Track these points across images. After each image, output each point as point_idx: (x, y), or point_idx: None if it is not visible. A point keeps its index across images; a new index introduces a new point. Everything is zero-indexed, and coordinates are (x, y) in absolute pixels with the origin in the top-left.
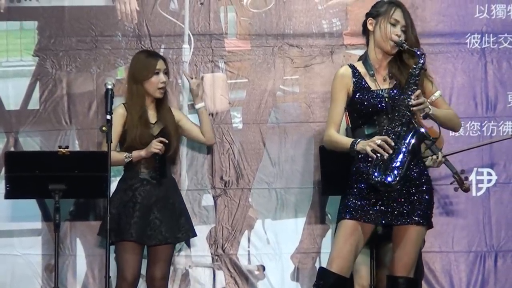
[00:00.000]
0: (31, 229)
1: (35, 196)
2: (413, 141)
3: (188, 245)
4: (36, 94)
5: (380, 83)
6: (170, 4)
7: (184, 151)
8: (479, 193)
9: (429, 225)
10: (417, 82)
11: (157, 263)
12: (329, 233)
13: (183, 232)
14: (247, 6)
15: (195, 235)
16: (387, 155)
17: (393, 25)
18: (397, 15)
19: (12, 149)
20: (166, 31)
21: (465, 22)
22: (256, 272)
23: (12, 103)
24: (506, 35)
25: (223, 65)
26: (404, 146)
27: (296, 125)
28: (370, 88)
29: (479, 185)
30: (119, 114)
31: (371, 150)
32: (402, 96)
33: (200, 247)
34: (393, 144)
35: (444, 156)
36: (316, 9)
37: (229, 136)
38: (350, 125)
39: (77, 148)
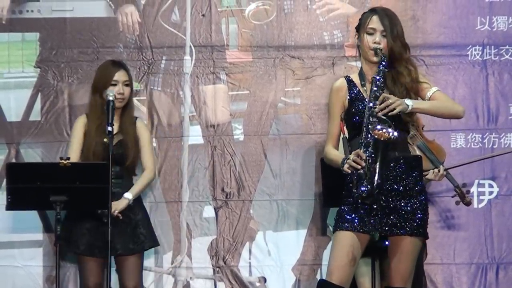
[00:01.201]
0: (32, 241)
1: (36, 207)
2: (376, 148)
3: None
4: (37, 105)
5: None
6: (171, 16)
7: (185, 163)
8: (480, 205)
9: (425, 236)
10: (382, 86)
11: (126, 273)
12: (330, 245)
13: (138, 243)
14: (248, 18)
15: (156, 245)
16: (359, 167)
17: (371, 34)
18: (373, 22)
19: (13, 160)
20: (168, 43)
21: (466, 34)
22: (258, 284)
23: (14, 114)
24: (507, 47)
25: (224, 76)
26: (372, 155)
27: (298, 137)
28: (365, 99)
29: (481, 197)
30: (80, 124)
31: (348, 168)
32: (368, 105)
33: (201, 258)
34: (364, 156)
35: (445, 170)
36: (318, 21)
37: (230, 148)
38: (346, 136)
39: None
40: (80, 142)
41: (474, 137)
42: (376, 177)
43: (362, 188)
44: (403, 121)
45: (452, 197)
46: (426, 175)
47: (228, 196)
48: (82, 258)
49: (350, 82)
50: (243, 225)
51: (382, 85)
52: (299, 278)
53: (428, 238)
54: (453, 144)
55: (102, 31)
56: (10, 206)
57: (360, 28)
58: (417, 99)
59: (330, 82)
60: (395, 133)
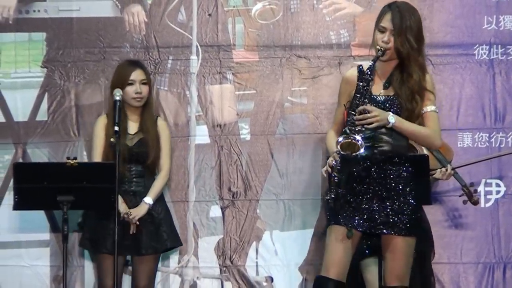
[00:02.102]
0: (39, 240)
1: (43, 207)
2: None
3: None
4: (44, 105)
5: (377, 88)
6: (178, 16)
7: (192, 163)
8: (487, 205)
9: (416, 235)
10: (364, 93)
11: (140, 273)
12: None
13: (161, 242)
14: (255, 18)
15: (179, 244)
16: (329, 171)
17: (382, 32)
18: (385, 21)
19: (20, 160)
20: (174, 43)
21: (473, 33)
22: (264, 284)
23: (21, 114)
24: None
25: (231, 76)
26: (338, 165)
27: (304, 137)
28: (371, 93)
29: (488, 197)
30: (101, 124)
31: (325, 171)
32: (349, 110)
33: (208, 258)
34: (334, 162)
35: (453, 169)
36: (324, 20)
37: (237, 148)
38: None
39: (85, 160)
40: (102, 143)
41: (481, 136)
42: (339, 188)
43: (331, 195)
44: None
45: (460, 196)
46: (434, 174)
47: (235, 196)
48: (103, 257)
49: (361, 72)
50: (250, 225)
51: (365, 91)
52: (306, 278)
53: (417, 236)
54: (460, 144)
55: (109, 31)
56: (17, 206)
57: (375, 24)
58: (416, 107)
59: (337, 81)
60: (362, 144)
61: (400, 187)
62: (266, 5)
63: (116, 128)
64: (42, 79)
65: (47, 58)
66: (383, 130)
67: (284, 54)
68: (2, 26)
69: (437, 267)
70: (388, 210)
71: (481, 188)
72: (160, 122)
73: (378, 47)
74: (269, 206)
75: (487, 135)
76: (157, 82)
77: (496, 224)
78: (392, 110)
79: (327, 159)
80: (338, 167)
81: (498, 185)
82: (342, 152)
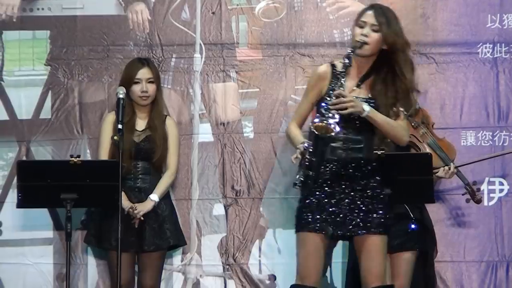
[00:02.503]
0: (43, 238)
1: (46, 205)
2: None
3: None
4: (48, 103)
5: (350, 84)
6: (181, 14)
7: (195, 161)
8: (490, 203)
9: (388, 233)
10: (341, 80)
11: (145, 270)
12: (340, 242)
13: (164, 239)
14: (258, 16)
15: (182, 243)
16: (300, 157)
17: (361, 27)
18: (367, 16)
19: (24, 158)
20: (178, 41)
21: (476, 31)
22: (267, 282)
23: (24, 112)
24: None
25: (234, 74)
26: (311, 147)
27: (307, 135)
28: (343, 89)
29: (491, 195)
30: (109, 121)
31: (294, 158)
32: (325, 98)
33: (211, 256)
34: (306, 145)
35: (456, 167)
36: (328, 18)
37: (240, 146)
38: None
39: (89, 157)
40: (110, 141)
41: (485, 135)
42: (311, 169)
43: (299, 178)
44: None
45: (463, 194)
46: (436, 172)
47: (238, 194)
48: (112, 253)
49: (334, 70)
50: (253, 223)
51: (342, 79)
52: None
53: (388, 233)
54: (464, 142)
55: (113, 29)
56: (21, 204)
57: (356, 20)
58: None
59: None
60: (335, 128)
61: (371, 186)
62: (269, 3)
63: (120, 126)
64: (46, 77)
65: (51, 56)
66: (355, 137)
67: (287, 53)
68: (6, 24)
69: (440, 266)
70: (362, 209)
71: (484, 187)
72: (169, 121)
73: (356, 39)
74: (272, 204)
75: (491, 133)
76: (161, 80)
77: (499, 223)
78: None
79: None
80: (310, 150)
81: (501, 183)
82: (317, 133)
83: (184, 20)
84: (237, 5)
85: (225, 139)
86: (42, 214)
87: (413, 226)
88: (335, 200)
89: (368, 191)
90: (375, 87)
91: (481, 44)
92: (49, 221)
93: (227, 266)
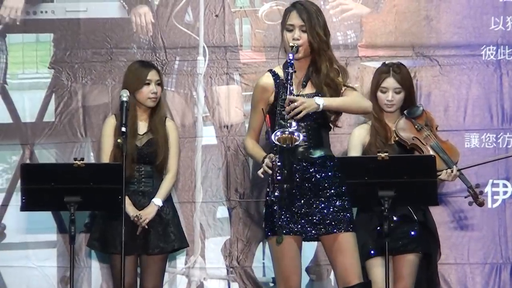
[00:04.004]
0: (47, 241)
1: (50, 208)
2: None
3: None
4: (51, 106)
5: (296, 88)
6: (185, 17)
7: (198, 163)
8: (494, 205)
9: (355, 231)
10: (289, 88)
11: (148, 273)
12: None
13: (168, 242)
14: (262, 18)
15: (185, 245)
16: (270, 172)
17: (290, 30)
18: (292, 18)
19: (27, 161)
20: (181, 43)
21: (480, 34)
22: (271, 285)
23: (28, 115)
24: None
25: (238, 77)
26: (278, 161)
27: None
28: (291, 94)
29: (495, 197)
30: (110, 124)
31: (262, 172)
32: (277, 108)
33: (215, 259)
34: (274, 159)
35: (459, 170)
36: (331, 21)
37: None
38: (270, 128)
39: (92, 160)
40: (111, 143)
41: (488, 137)
42: (284, 183)
43: (275, 194)
44: (327, 119)
45: (465, 197)
46: (439, 175)
47: (242, 197)
48: (116, 257)
49: (276, 78)
50: (257, 226)
51: (290, 86)
52: (313, 279)
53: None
54: (467, 144)
55: (116, 32)
56: (25, 207)
57: (282, 25)
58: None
59: None
60: (299, 136)
61: (336, 184)
62: (273, 6)
63: (123, 129)
64: (49, 80)
65: (54, 59)
66: (314, 134)
67: None
68: (9, 27)
69: (444, 268)
70: (329, 208)
71: (488, 189)
72: (169, 123)
73: (291, 44)
74: None
75: (494, 135)
76: (164, 83)
77: (503, 225)
78: None
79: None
80: (279, 163)
81: (505, 185)
82: (282, 145)
83: (188, 23)
84: (241, 7)
85: (229, 141)
86: (46, 217)
87: (412, 232)
88: (303, 200)
89: (332, 190)
90: (317, 79)
91: (484, 46)
92: (53, 224)
93: (231, 269)
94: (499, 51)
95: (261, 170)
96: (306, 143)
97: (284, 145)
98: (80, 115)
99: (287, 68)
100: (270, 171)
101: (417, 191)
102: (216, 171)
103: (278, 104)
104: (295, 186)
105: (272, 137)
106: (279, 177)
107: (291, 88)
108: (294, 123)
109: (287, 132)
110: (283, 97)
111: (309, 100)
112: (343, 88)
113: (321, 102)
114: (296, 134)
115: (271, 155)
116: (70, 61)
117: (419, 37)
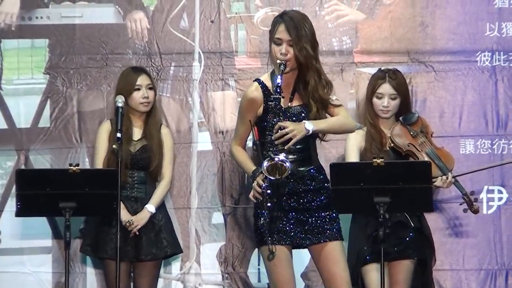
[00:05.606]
0: (42, 247)
1: (45, 214)
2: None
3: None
4: (46, 112)
5: (284, 102)
6: (180, 22)
7: (194, 169)
8: (489, 211)
9: (343, 239)
10: (277, 112)
11: (141, 279)
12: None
13: (161, 248)
14: (257, 24)
15: (179, 251)
16: (260, 198)
17: (278, 44)
18: (279, 32)
19: (22, 166)
20: (176, 49)
21: (475, 40)
22: None
23: (23, 121)
24: None
25: (233, 83)
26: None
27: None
28: (281, 107)
29: (490, 203)
30: (105, 129)
31: (252, 196)
32: (267, 133)
33: (210, 265)
34: (262, 184)
35: (454, 177)
36: (326, 27)
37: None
38: (257, 140)
39: (88, 166)
40: (105, 148)
41: (484, 143)
42: (274, 209)
43: (263, 219)
44: (314, 135)
45: (460, 204)
46: (434, 182)
47: (237, 202)
48: (109, 262)
49: (265, 90)
50: (252, 232)
51: (278, 111)
52: (308, 285)
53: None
54: (463, 150)
55: (111, 38)
56: (20, 213)
57: (270, 37)
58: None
59: (339, 88)
60: (289, 165)
61: (325, 196)
62: (268, 12)
63: (119, 135)
64: (44, 85)
65: (49, 65)
66: (303, 148)
67: None
68: (5, 33)
69: (439, 274)
70: (319, 220)
71: (483, 195)
72: (164, 130)
73: (278, 61)
74: None
75: (490, 142)
76: (160, 89)
77: (498, 231)
78: (307, 118)
79: (330, 168)
80: (269, 192)
81: (500, 191)
82: (270, 177)
83: (183, 29)
84: (236, 13)
85: (224, 147)
86: (41, 223)
87: (408, 239)
88: (292, 212)
89: (320, 201)
90: (304, 93)
91: (479, 52)
92: (48, 230)
93: (226, 275)
94: (494, 57)
95: (252, 194)
96: (295, 156)
97: (274, 178)
98: (75, 120)
99: (275, 88)
100: (260, 197)
101: (413, 198)
102: (212, 177)
103: (267, 128)
104: (283, 200)
105: (262, 167)
106: (269, 204)
107: (281, 105)
108: (282, 155)
109: (275, 161)
110: (272, 122)
111: (298, 127)
112: (335, 102)
113: (310, 127)
114: (286, 164)
115: (260, 180)
116: (65, 66)
117: (415, 43)
